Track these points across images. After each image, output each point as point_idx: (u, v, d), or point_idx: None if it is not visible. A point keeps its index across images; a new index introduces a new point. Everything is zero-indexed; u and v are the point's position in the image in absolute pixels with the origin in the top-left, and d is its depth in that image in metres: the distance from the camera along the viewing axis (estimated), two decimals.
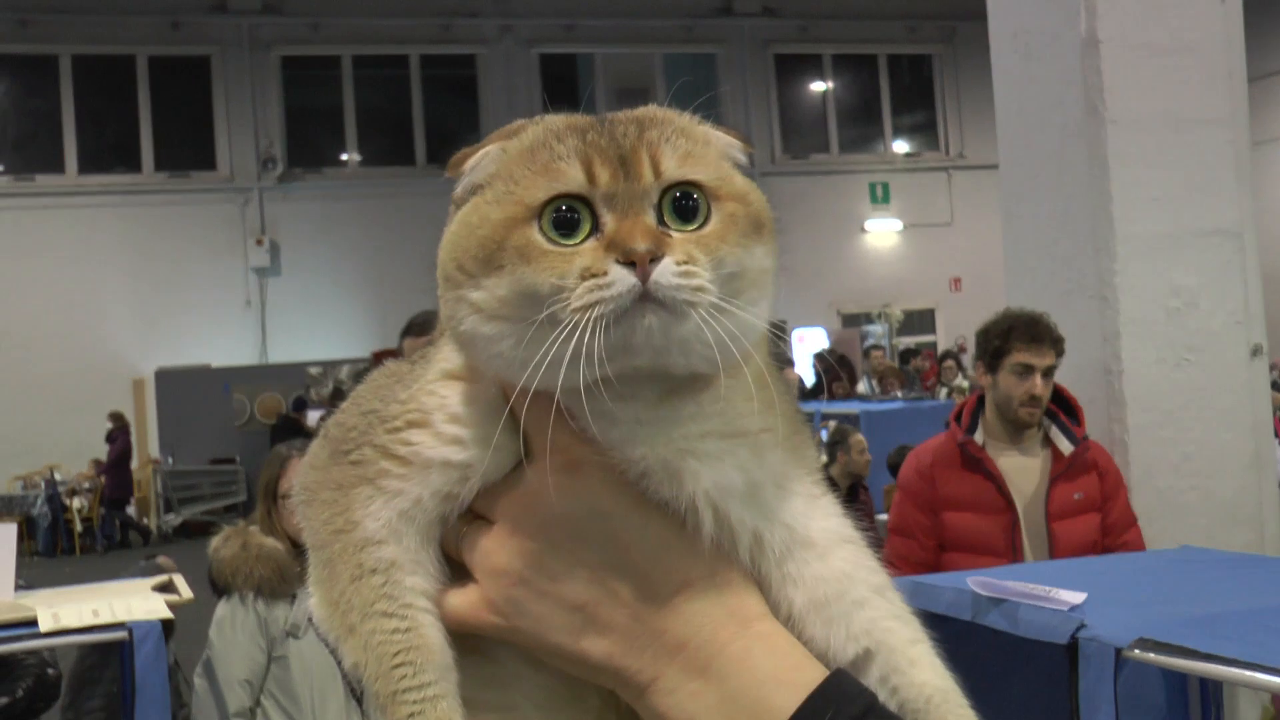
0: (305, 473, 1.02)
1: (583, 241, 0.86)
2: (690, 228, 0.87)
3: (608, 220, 0.86)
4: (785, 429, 0.96)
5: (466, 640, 0.95)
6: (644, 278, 0.83)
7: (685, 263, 0.84)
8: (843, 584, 0.92)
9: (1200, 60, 4.48)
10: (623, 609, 0.91)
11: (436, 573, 0.95)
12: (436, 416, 0.94)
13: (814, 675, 0.87)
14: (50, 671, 5.35)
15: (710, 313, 0.84)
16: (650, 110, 0.93)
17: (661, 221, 0.86)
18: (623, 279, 0.83)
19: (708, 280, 0.84)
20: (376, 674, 0.91)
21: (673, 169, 0.87)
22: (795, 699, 0.85)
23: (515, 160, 0.91)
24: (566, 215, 0.86)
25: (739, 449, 0.93)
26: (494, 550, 0.94)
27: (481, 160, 0.93)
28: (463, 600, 0.94)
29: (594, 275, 0.83)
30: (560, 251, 0.86)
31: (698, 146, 0.90)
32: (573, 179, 0.87)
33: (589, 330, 0.83)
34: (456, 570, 0.96)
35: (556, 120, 0.93)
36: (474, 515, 0.95)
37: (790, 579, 0.93)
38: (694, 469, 0.91)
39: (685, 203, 0.87)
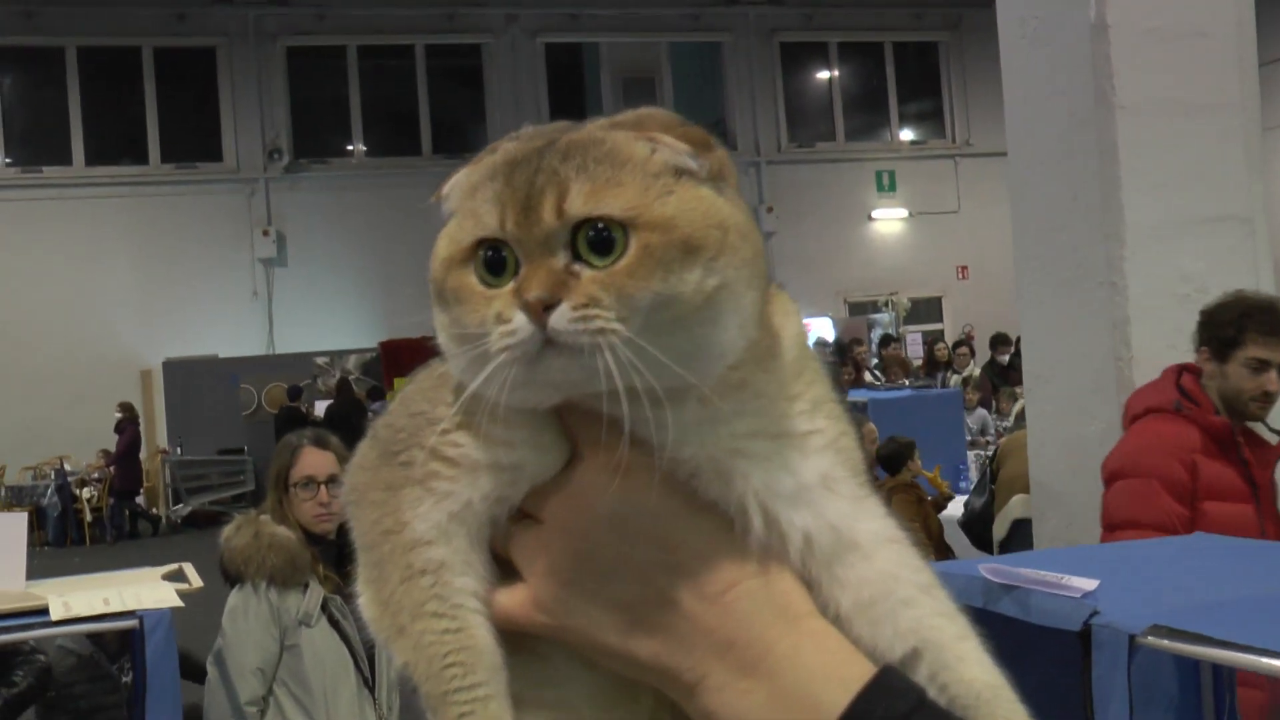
0: (354, 473, 1.01)
1: (507, 283, 0.87)
2: (606, 262, 0.85)
3: (522, 264, 0.86)
4: (833, 430, 0.96)
5: (519, 639, 0.94)
6: (542, 325, 0.83)
7: (584, 305, 0.83)
8: (888, 584, 0.92)
9: (1210, 45, 4.46)
10: (671, 608, 0.90)
11: (487, 573, 0.95)
12: (484, 418, 0.92)
13: (863, 672, 0.86)
14: (41, 658, 5.38)
15: (626, 345, 0.83)
16: (584, 133, 0.90)
17: (579, 258, 0.85)
18: (523, 327, 0.84)
19: (613, 319, 0.83)
20: (427, 675, 0.91)
21: (577, 206, 0.84)
22: (845, 696, 0.84)
23: (465, 194, 0.91)
24: (493, 257, 0.88)
25: (787, 450, 0.93)
26: (542, 550, 0.93)
27: (452, 191, 0.94)
28: (511, 600, 0.94)
29: (504, 321, 0.85)
30: (486, 294, 0.87)
31: (621, 172, 0.86)
32: (489, 224, 0.87)
33: (510, 369, 0.85)
34: (506, 569, 0.96)
35: (502, 153, 0.91)
36: (522, 514, 0.95)
37: (837, 581, 0.92)
38: (744, 469, 0.91)
39: (602, 235, 0.85)
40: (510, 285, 0.86)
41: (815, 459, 0.94)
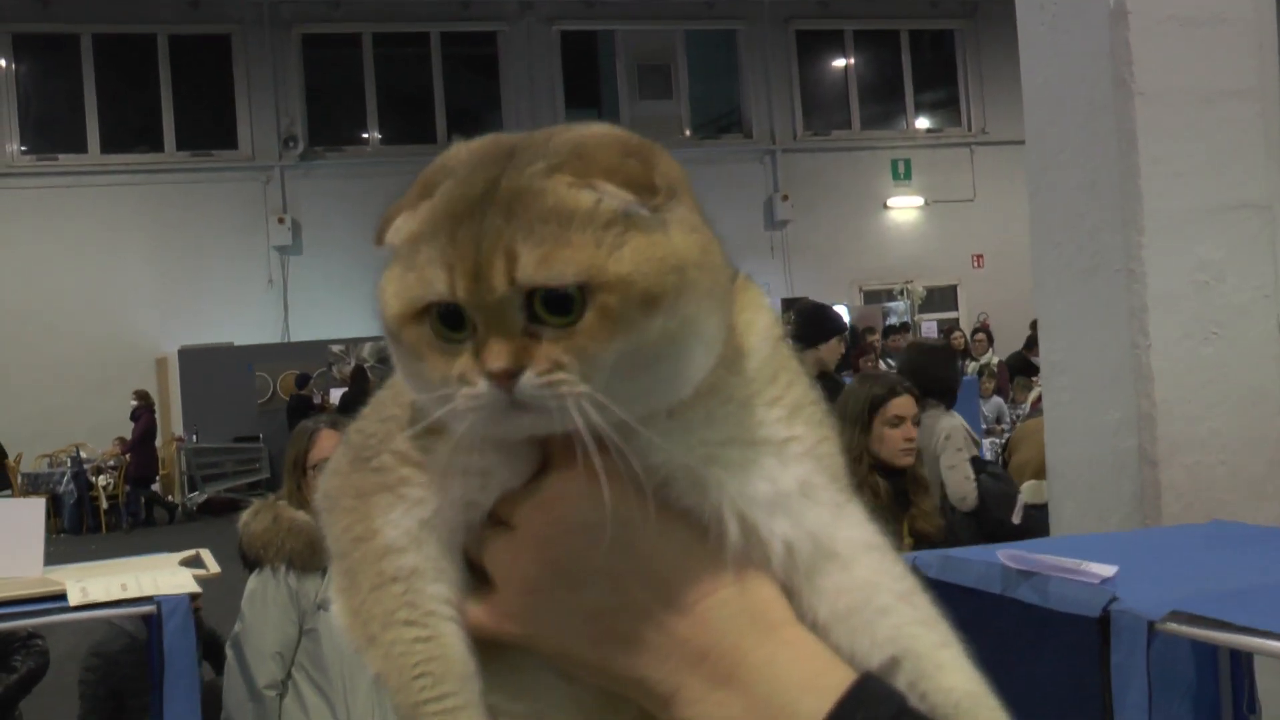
0: (327, 479, 1.00)
1: (465, 337, 0.84)
2: (564, 321, 0.82)
3: (478, 325, 0.84)
4: (811, 436, 0.94)
5: (499, 649, 0.93)
6: (507, 390, 0.82)
7: (548, 371, 0.81)
8: (867, 592, 0.90)
9: (1230, 32, 4.43)
10: (644, 618, 0.89)
11: (460, 581, 0.93)
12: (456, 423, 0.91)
13: (842, 680, 0.85)
14: (39, 643, 5.40)
15: (593, 402, 0.82)
16: (525, 180, 0.84)
17: (535, 317, 0.82)
18: (488, 392, 0.82)
19: (578, 381, 0.81)
20: (398, 685, 0.90)
21: (528, 273, 0.81)
22: (824, 704, 0.83)
23: (409, 242, 0.89)
24: (449, 312, 0.85)
25: (764, 457, 0.91)
26: (513, 558, 0.92)
27: (393, 234, 0.92)
28: (483, 609, 0.93)
29: (468, 383, 0.83)
30: (445, 351, 0.85)
31: (569, 230, 0.82)
32: (438, 289, 0.84)
33: (477, 423, 0.84)
34: (482, 576, 0.94)
35: (441, 200, 0.87)
36: (495, 521, 0.93)
37: (816, 591, 0.91)
38: (718, 477, 0.89)
39: (555, 296, 0.82)
40: (470, 345, 0.84)
41: (794, 466, 0.92)
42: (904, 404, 4.77)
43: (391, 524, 0.92)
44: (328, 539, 0.98)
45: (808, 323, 7.25)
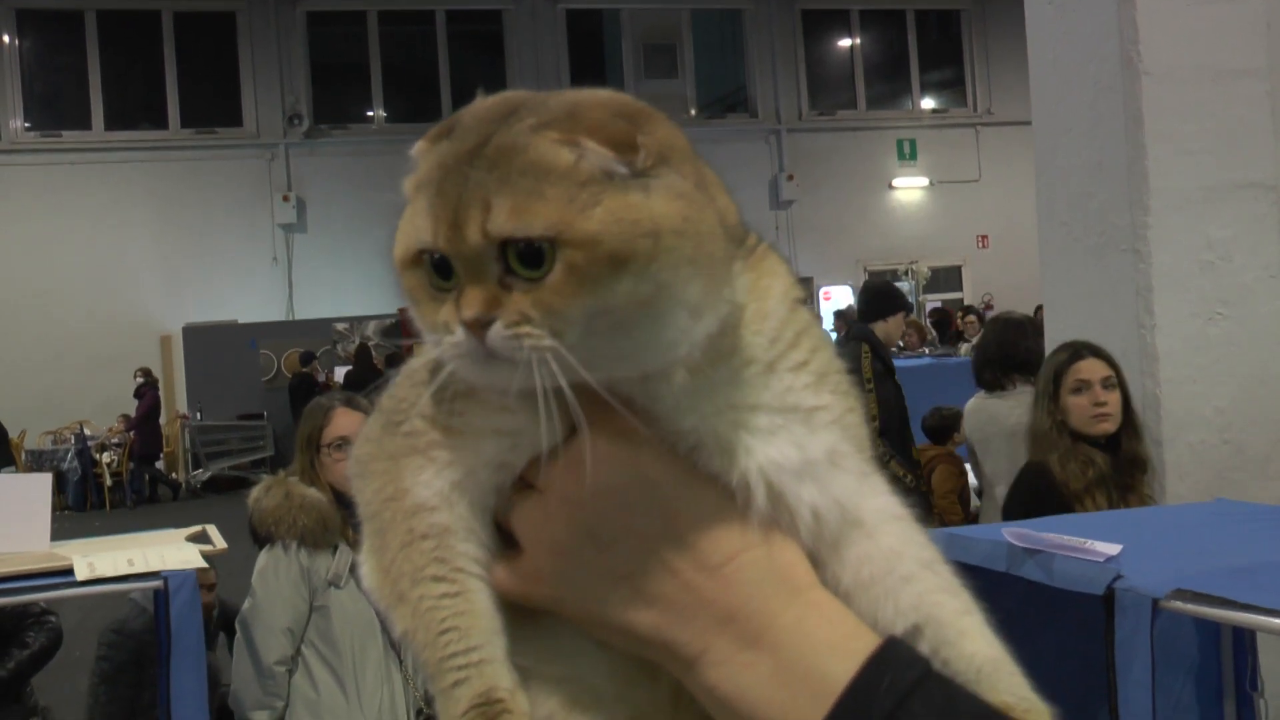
0: (360, 445, 1.01)
1: (454, 286, 0.86)
2: (537, 274, 0.83)
3: (460, 275, 0.86)
4: (839, 405, 0.95)
5: (534, 613, 0.94)
6: (481, 339, 0.84)
7: (515, 323, 0.83)
8: (890, 561, 0.91)
9: (1238, 10, 4.43)
10: (671, 579, 0.89)
11: (490, 542, 0.94)
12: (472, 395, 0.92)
13: (868, 643, 0.86)
14: (52, 619, 5.41)
15: (558, 358, 0.83)
16: (511, 136, 0.85)
17: (510, 269, 0.84)
18: (465, 340, 0.84)
19: (544, 335, 0.83)
20: (425, 642, 0.90)
21: (499, 225, 0.82)
22: (851, 667, 0.84)
23: (412, 188, 0.91)
24: (440, 261, 0.87)
25: (793, 424, 0.92)
26: (541, 519, 0.93)
27: (416, 151, 0.93)
28: (511, 570, 0.94)
29: (450, 331, 0.85)
30: (435, 298, 0.87)
31: (544, 184, 0.83)
32: (425, 237, 0.86)
33: (461, 371, 0.87)
34: (510, 541, 0.95)
35: (442, 151, 0.89)
36: (524, 483, 0.94)
37: (841, 559, 0.92)
38: (747, 443, 0.90)
39: (528, 249, 0.83)
40: (454, 295, 0.86)
41: (822, 434, 0.93)
42: (1087, 367, 4.41)
43: (423, 484, 0.93)
44: (359, 503, 0.99)
45: (874, 298, 7.53)
